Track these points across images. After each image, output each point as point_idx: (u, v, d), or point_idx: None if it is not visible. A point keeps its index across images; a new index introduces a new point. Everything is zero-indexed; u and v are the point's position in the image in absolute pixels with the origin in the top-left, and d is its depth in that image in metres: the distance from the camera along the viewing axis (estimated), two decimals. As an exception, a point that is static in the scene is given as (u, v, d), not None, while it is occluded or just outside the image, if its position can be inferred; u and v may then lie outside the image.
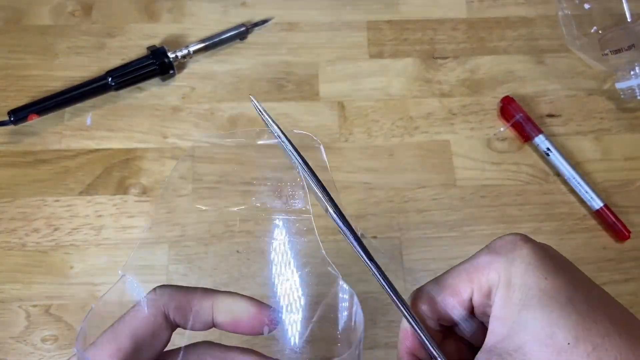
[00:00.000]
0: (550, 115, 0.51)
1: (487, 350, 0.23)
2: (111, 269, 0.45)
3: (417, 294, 0.27)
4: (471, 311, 0.26)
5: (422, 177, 0.49)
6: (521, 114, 0.49)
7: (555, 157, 0.48)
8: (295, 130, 0.30)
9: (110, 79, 0.50)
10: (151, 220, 0.47)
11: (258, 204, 0.35)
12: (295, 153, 0.28)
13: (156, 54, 0.50)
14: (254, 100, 0.29)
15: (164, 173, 0.48)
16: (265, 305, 0.27)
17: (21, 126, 0.49)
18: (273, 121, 0.29)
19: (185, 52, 0.51)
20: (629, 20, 0.50)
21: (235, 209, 0.40)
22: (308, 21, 0.55)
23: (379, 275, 0.27)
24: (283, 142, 0.29)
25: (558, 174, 0.49)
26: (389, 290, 0.26)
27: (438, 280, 0.27)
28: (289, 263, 0.31)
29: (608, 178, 0.49)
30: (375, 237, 0.46)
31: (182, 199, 0.47)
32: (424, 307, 0.27)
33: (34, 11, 0.54)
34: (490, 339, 0.23)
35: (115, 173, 0.48)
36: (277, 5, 0.55)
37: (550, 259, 0.24)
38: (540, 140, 0.49)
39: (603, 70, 0.52)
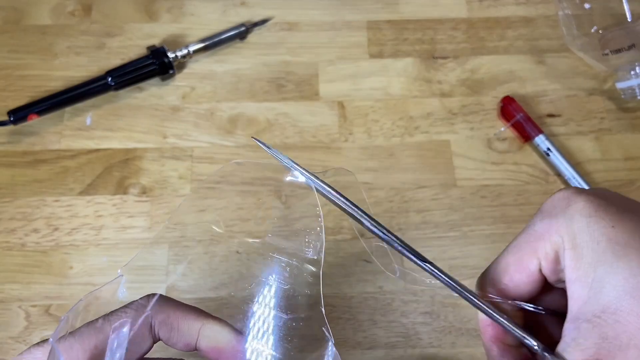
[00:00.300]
0: (551, 115, 0.51)
1: (573, 319, 0.21)
2: (111, 269, 0.45)
3: (482, 281, 0.26)
4: (544, 282, 0.24)
5: (422, 177, 0.49)
6: (521, 114, 0.49)
7: (556, 157, 0.48)
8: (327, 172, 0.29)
9: (110, 79, 0.49)
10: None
11: (271, 242, 0.35)
12: (330, 190, 0.28)
13: (156, 54, 0.50)
14: (268, 147, 0.28)
15: (163, 173, 0.48)
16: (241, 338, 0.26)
17: (21, 126, 0.49)
18: (296, 164, 0.28)
19: (185, 52, 0.51)
20: (629, 20, 0.50)
21: (250, 240, 0.40)
22: (308, 21, 0.54)
23: (439, 274, 0.25)
24: (310, 178, 0.28)
25: (558, 174, 0.49)
26: (454, 285, 0.25)
27: (499, 261, 0.25)
28: (283, 306, 0.30)
29: (608, 178, 0.49)
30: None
31: (181, 198, 0.47)
32: (493, 293, 0.25)
33: (33, 11, 0.54)
34: (573, 306, 0.22)
35: (115, 173, 0.48)
36: (277, 5, 0.55)
37: (611, 205, 0.22)
38: (541, 140, 0.49)
39: (603, 70, 0.52)
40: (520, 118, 0.49)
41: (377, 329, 0.44)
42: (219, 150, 0.49)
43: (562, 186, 0.48)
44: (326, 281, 0.45)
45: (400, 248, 0.26)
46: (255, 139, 0.28)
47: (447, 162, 0.49)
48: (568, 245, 0.22)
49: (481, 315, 0.25)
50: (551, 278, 0.24)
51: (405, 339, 0.43)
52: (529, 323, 0.26)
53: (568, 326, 0.22)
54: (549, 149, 0.48)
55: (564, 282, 0.23)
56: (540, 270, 0.23)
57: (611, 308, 0.20)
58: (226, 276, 0.44)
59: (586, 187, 0.47)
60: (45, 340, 0.25)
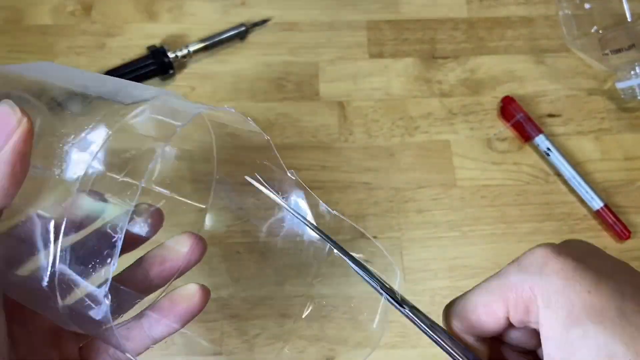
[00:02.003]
0: (551, 115, 0.51)
1: None
2: (111, 269, 0.45)
3: (449, 312, 0.26)
4: (509, 326, 0.25)
5: (422, 177, 0.49)
6: (521, 114, 0.49)
7: (556, 157, 0.48)
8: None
9: (110, 79, 0.50)
10: None
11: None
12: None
13: (156, 54, 0.50)
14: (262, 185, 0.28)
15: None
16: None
17: (21, 126, 0.49)
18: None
19: (185, 52, 0.51)
20: (629, 20, 0.50)
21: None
22: (308, 21, 0.55)
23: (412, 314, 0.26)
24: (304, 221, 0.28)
25: (558, 174, 0.49)
26: (419, 322, 0.26)
27: (468, 298, 0.25)
28: None
29: (608, 178, 0.49)
30: (375, 237, 0.46)
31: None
32: (458, 326, 0.26)
33: (34, 11, 0.54)
34: None
35: (115, 173, 0.48)
36: (277, 5, 0.55)
37: (588, 269, 0.22)
38: (541, 140, 0.49)
39: (603, 70, 0.52)
40: (520, 118, 0.49)
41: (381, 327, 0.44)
42: (219, 151, 0.49)
43: (562, 186, 0.48)
44: (326, 281, 0.45)
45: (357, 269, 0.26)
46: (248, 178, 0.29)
47: (447, 162, 0.49)
48: (542, 304, 0.22)
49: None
50: (518, 324, 0.25)
51: (405, 339, 0.43)
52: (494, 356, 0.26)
53: None
54: (548, 149, 0.48)
55: (529, 327, 0.24)
56: (507, 317, 0.24)
57: None
58: (226, 276, 0.44)
59: (586, 187, 0.47)
60: None
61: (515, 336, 0.26)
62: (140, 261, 0.31)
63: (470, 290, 0.25)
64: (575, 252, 0.23)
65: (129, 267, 0.31)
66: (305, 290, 0.42)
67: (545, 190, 0.48)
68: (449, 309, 0.26)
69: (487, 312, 0.24)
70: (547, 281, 0.22)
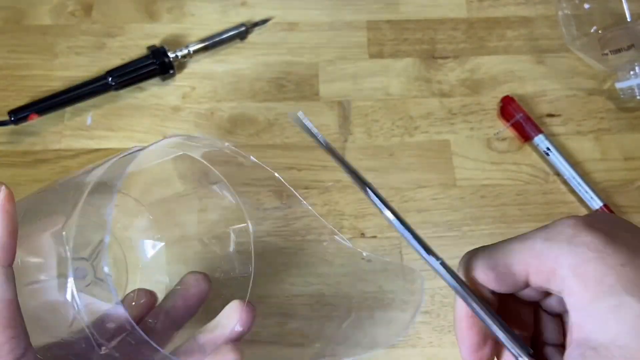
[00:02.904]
0: (550, 115, 0.51)
1: (577, 345, 0.21)
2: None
3: (468, 265, 0.26)
4: (527, 286, 0.24)
5: (422, 177, 0.49)
6: (521, 114, 0.49)
7: (555, 157, 0.48)
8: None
9: (110, 79, 0.50)
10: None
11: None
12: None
13: (156, 54, 0.50)
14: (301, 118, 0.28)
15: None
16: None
17: (21, 126, 0.49)
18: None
19: (185, 51, 0.51)
20: (628, 20, 0.50)
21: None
22: (308, 21, 0.55)
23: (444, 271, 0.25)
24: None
25: (558, 173, 0.49)
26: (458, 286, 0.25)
27: (491, 255, 0.25)
28: None
29: (608, 178, 0.49)
30: (375, 237, 0.47)
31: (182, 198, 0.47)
32: (477, 278, 0.25)
33: (34, 11, 0.54)
34: (579, 332, 0.21)
35: (116, 173, 0.48)
36: (277, 5, 0.55)
37: (621, 243, 0.22)
38: (540, 140, 0.49)
39: (603, 70, 0.52)
40: (519, 118, 0.49)
41: (377, 328, 0.44)
42: (219, 150, 0.49)
43: (562, 186, 0.48)
44: (326, 281, 0.45)
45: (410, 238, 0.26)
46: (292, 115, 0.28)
47: (446, 162, 0.49)
48: (570, 273, 0.22)
49: (460, 305, 0.25)
50: (536, 288, 0.24)
51: (405, 339, 0.43)
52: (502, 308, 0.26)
53: (572, 351, 0.21)
54: (548, 149, 0.48)
55: (546, 291, 0.23)
56: (526, 280, 0.24)
57: (619, 341, 0.20)
58: (226, 276, 0.44)
59: (586, 187, 0.47)
60: None
61: (527, 293, 0.25)
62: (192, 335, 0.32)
63: (493, 247, 0.25)
64: (606, 225, 0.23)
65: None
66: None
67: (545, 190, 0.48)
68: (470, 260, 0.25)
69: (507, 273, 0.24)
70: (576, 252, 0.22)
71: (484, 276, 0.25)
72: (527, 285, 0.24)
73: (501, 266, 0.24)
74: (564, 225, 0.23)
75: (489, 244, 0.25)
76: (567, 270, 0.22)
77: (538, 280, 0.23)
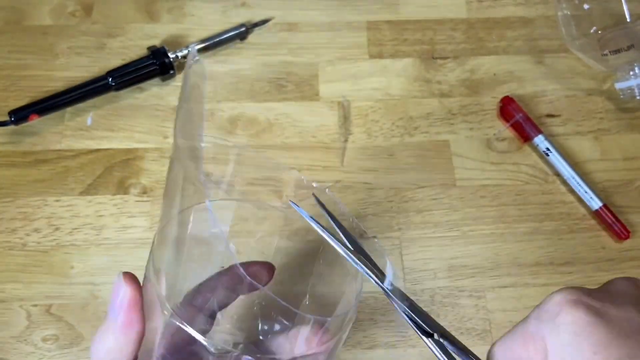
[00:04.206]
0: (550, 116, 0.51)
1: None
2: (112, 269, 0.45)
3: (490, 353, 0.26)
4: None
5: (422, 177, 0.49)
6: (521, 114, 0.50)
7: (555, 157, 0.48)
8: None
9: (110, 79, 0.50)
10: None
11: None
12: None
13: (156, 54, 0.50)
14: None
15: (164, 173, 0.48)
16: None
17: (22, 126, 0.49)
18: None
19: (185, 52, 0.51)
20: (628, 20, 0.50)
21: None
22: (308, 21, 0.55)
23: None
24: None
25: (557, 174, 0.49)
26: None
27: (504, 343, 0.25)
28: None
29: (607, 178, 0.49)
30: (375, 237, 0.47)
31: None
32: None
33: (34, 11, 0.54)
34: None
35: (116, 173, 0.48)
36: (277, 5, 0.55)
37: (600, 326, 0.21)
38: (540, 141, 0.49)
39: (602, 71, 0.52)
40: (519, 118, 0.49)
41: (377, 328, 0.44)
42: (219, 150, 0.49)
43: (561, 186, 0.49)
44: (326, 281, 0.45)
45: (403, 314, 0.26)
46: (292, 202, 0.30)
47: (446, 162, 0.49)
48: (552, 355, 0.22)
49: None
50: None
51: (405, 339, 0.43)
52: None
53: None
54: (548, 149, 0.49)
55: None
56: None
57: None
58: (227, 276, 0.45)
59: (585, 187, 0.47)
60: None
61: None
62: None
63: (509, 335, 0.25)
64: (598, 303, 0.22)
65: None
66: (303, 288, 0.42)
67: (545, 190, 0.48)
68: (490, 352, 0.26)
69: (514, 357, 0.24)
70: (556, 332, 0.22)
71: None
72: None
73: (509, 351, 0.24)
74: (551, 302, 0.23)
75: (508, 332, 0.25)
76: (550, 353, 0.22)
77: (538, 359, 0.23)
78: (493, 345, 0.25)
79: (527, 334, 0.23)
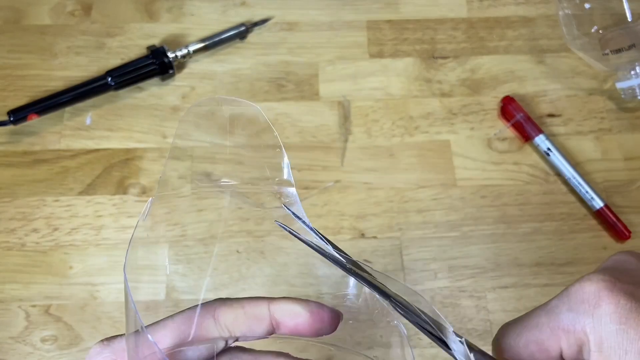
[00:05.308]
0: (551, 115, 0.51)
1: None
2: (111, 269, 0.45)
3: (499, 346, 0.25)
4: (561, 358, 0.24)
5: (422, 177, 0.49)
6: (521, 114, 0.49)
7: (556, 157, 0.48)
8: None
9: (109, 79, 0.49)
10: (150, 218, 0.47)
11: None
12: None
13: (156, 54, 0.50)
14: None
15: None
16: (323, 305, 0.26)
17: (21, 126, 0.49)
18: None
19: (185, 51, 0.51)
20: (629, 20, 0.50)
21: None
22: (308, 21, 0.54)
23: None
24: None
25: (558, 174, 0.48)
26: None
27: (520, 334, 0.24)
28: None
29: (608, 178, 0.49)
30: (375, 237, 0.46)
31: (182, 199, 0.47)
32: (512, 356, 0.25)
33: (33, 11, 0.54)
34: None
35: (115, 173, 0.48)
36: (276, 5, 0.55)
37: None
38: (541, 140, 0.49)
39: (603, 70, 0.52)
40: (520, 118, 0.49)
41: (377, 328, 0.44)
42: (219, 151, 0.49)
43: (562, 186, 0.48)
44: (326, 281, 0.45)
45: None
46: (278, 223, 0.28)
47: (447, 162, 0.49)
48: (594, 347, 0.21)
49: None
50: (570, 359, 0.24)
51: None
52: None
53: None
54: (549, 149, 0.48)
55: None
56: (560, 354, 0.23)
57: None
58: (226, 276, 0.44)
59: (587, 187, 0.47)
60: (112, 337, 0.24)
61: None
62: None
63: (520, 322, 0.24)
64: (631, 286, 0.22)
65: None
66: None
67: (546, 190, 0.48)
68: (500, 342, 0.25)
69: (540, 350, 0.23)
70: (599, 323, 0.21)
71: (518, 356, 0.24)
72: (561, 357, 0.24)
73: (533, 343, 0.24)
74: (585, 292, 0.22)
75: (516, 319, 0.25)
76: (592, 345, 0.21)
77: (571, 353, 0.23)
78: (503, 336, 0.25)
79: (559, 326, 0.22)
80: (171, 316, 0.25)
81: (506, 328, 0.25)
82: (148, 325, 0.24)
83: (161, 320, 0.25)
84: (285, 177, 0.29)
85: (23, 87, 0.51)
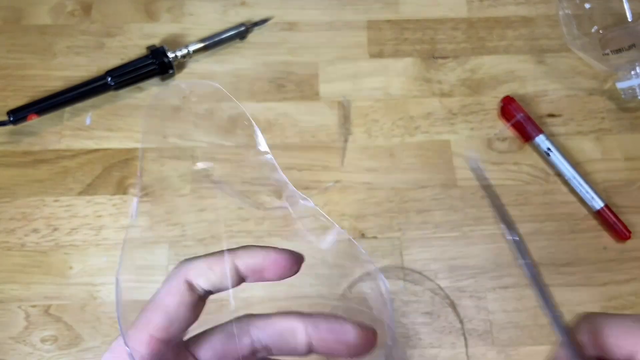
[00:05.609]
0: (551, 115, 0.51)
1: None
2: (111, 269, 0.45)
3: (583, 326, 0.26)
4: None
5: (422, 177, 0.49)
6: (522, 114, 0.49)
7: (556, 157, 0.48)
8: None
9: (109, 79, 0.49)
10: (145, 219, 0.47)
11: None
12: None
13: (156, 54, 0.50)
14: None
15: (163, 173, 0.48)
16: (285, 250, 0.27)
17: (20, 126, 0.49)
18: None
19: (184, 51, 0.51)
20: (629, 19, 0.50)
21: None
22: (308, 21, 0.54)
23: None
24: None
25: (559, 174, 0.48)
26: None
27: (607, 323, 0.25)
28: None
29: (609, 178, 0.49)
30: (375, 237, 0.46)
31: (181, 198, 0.47)
32: (585, 338, 0.25)
33: (33, 11, 0.54)
34: None
35: (115, 173, 0.48)
36: (276, 4, 0.55)
37: None
38: (541, 140, 0.49)
39: (604, 70, 0.52)
40: (520, 118, 0.49)
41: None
42: (219, 150, 0.49)
43: (563, 186, 0.48)
44: (326, 281, 0.45)
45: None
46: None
47: (447, 162, 0.49)
48: None
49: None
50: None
51: (405, 339, 0.43)
52: None
53: None
54: (549, 149, 0.48)
55: None
56: (633, 356, 0.24)
57: None
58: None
59: (587, 187, 0.47)
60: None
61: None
62: None
63: (611, 316, 0.25)
64: None
65: None
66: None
67: (546, 191, 0.48)
68: (584, 323, 0.26)
69: (617, 345, 0.24)
70: None
71: (586, 338, 0.25)
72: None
73: (612, 337, 0.24)
74: None
75: (606, 313, 0.26)
76: None
77: (623, 353, 0.24)
78: (589, 320, 0.25)
79: (627, 329, 0.23)
80: (211, 331, 0.26)
81: (596, 315, 0.25)
82: (192, 337, 0.25)
83: (205, 334, 0.26)
84: (261, 149, 0.30)
85: (23, 87, 0.51)
